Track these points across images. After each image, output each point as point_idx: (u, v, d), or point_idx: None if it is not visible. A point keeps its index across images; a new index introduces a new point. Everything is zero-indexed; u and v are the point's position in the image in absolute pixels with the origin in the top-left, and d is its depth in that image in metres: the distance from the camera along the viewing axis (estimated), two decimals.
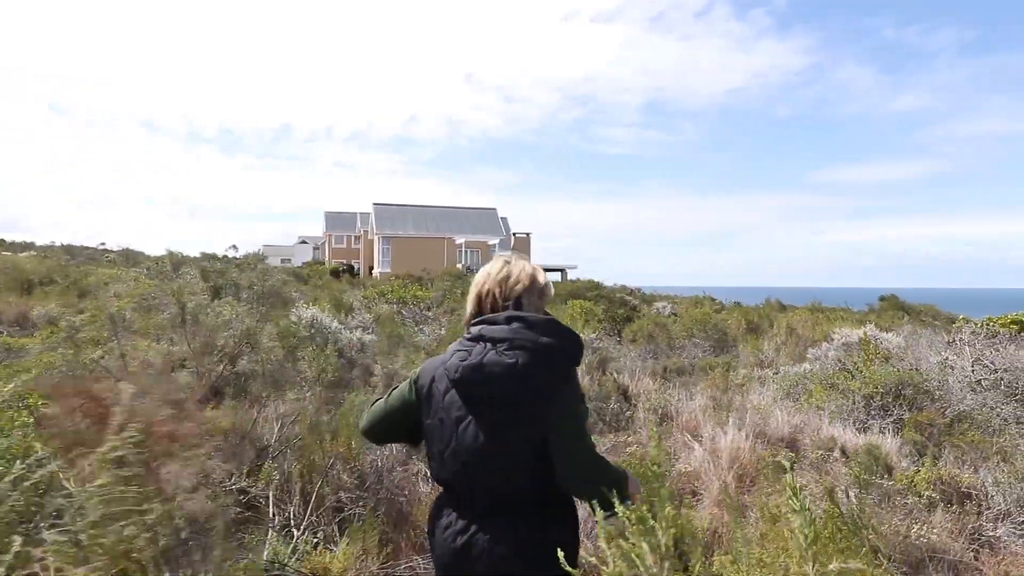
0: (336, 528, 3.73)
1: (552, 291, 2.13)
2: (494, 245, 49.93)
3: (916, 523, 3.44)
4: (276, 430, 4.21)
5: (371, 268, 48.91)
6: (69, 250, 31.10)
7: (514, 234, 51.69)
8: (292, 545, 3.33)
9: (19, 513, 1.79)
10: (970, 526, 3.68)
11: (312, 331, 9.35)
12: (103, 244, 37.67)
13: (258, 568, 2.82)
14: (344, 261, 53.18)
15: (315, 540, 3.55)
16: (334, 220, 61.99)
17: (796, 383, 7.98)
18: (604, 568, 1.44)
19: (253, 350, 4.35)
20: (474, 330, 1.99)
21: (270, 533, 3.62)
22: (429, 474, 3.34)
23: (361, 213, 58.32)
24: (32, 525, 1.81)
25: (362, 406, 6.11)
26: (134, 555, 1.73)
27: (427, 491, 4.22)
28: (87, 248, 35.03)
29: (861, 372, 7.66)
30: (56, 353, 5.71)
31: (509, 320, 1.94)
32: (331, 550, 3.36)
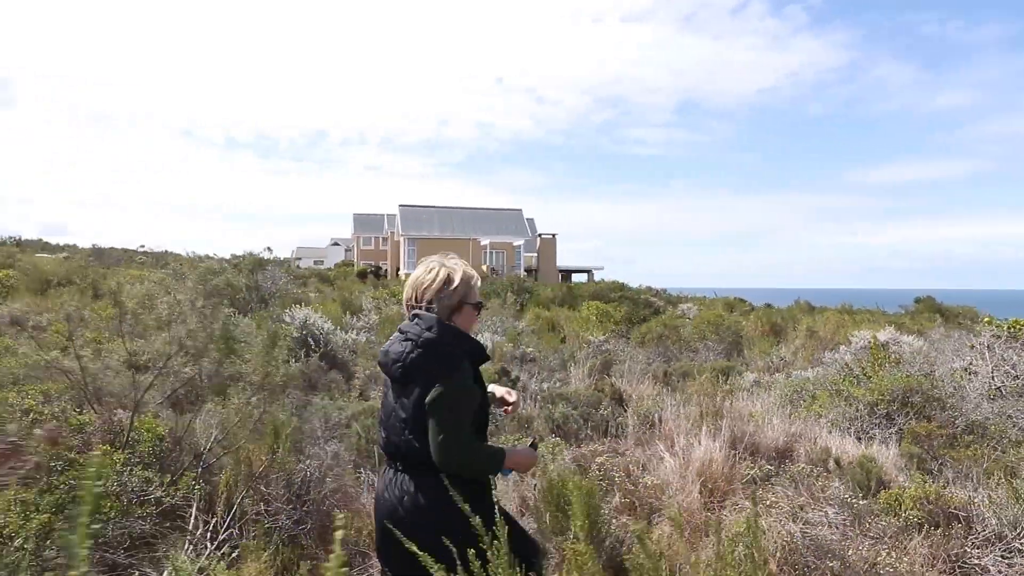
0: (260, 543, 3.50)
1: (475, 286, 2.43)
2: (519, 246, 49.62)
3: (886, 549, 3.05)
4: (212, 436, 4.01)
5: (398, 269, 49.07)
6: (97, 252, 31.70)
7: (540, 235, 51.28)
8: (199, 564, 3.10)
9: None
10: (953, 552, 3.26)
11: (304, 333, 9.21)
12: (143, 246, 38.44)
13: None
14: (372, 262, 53.42)
15: (232, 555, 3.33)
16: (362, 222, 62.36)
17: (800, 388, 7.53)
18: None
19: (195, 353, 4.17)
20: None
21: (187, 547, 3.41)
22: None
23: (388, 215, 58.56)
24: None
25: (327, 409, 5.90)
26: None
27: (366, 502, 3.97)
28: (122, 250, 35.67)
29: (868, 378, 7.19)
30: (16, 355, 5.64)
31: (412, 317, 2.40)
32: (238, 568, 3.12)
